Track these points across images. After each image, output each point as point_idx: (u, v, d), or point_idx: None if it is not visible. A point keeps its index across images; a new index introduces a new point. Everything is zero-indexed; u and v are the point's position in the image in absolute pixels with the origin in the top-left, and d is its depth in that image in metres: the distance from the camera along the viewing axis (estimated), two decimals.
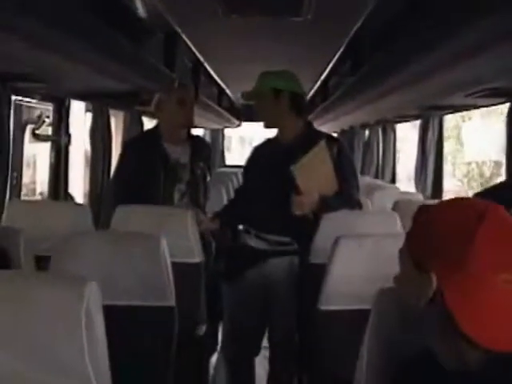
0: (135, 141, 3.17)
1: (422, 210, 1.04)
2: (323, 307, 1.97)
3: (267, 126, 2.64)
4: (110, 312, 2.01)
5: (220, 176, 6.19)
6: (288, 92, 2.54)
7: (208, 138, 8.34)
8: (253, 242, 2.60)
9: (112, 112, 4.17)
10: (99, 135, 3.85)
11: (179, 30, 2.73)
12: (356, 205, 2.54)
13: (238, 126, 8.97)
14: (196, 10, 2.53)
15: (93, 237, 2.10)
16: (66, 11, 2.00)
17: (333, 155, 2.44)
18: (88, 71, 2.53)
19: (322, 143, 2.42)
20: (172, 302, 1.98)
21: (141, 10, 2.69)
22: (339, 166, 2.45)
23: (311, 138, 2.52)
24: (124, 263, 1.98)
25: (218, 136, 8.85)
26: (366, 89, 3.03)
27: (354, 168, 2.65)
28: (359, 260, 1.95)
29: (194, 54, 3.27)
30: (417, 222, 1.03)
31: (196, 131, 8.37)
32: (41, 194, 5.02)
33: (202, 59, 3.47)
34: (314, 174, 2.40)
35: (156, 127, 2.99)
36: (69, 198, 3.56)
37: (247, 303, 2.60)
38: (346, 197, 2.47)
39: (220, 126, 8.36)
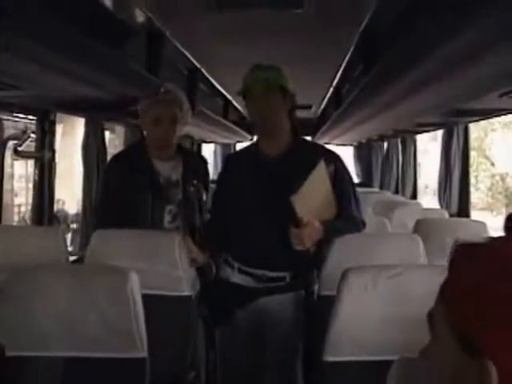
0: (120, 155, 2.81)
1: (471, 252, 0.64)
2: (329, 358, 1.57)
3: (267, 130, 2.16)
4: (67, 364, 1.67)
5: None
6: (291, 94, 2.17)
7: (219, 153, 8.01)
8: (236, 278, 2.21)
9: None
10: (93, 150, 3.55)
11: (164, 29, 2.39)
12: (360, 224, 2.23)
13: (252, 140, 8.63)
14: (183, 5, 2.19)
15: (47, 270, 1.75)
16: (35, 13, 1.69)
17: (330, 174, 2.12)
18: (62, 77, 2.21)
19: (322, 164, 2.06)
20: (143, 353, 1.61)
21: (118, 7, 2.36)
22: (337, 186, 2.13)
23: (302, 151, 2.18)
24: (85, 304, 1.63)
25: (229, 151, 8.50)
26: (381, 91, 2.65)
27: (354, 184, 2.29)
28: (373, 298, 1.57)
29: (187, 58, 2.92)
30: (467, 275, 0.63)
31: (207, 146, 8.07)
32: None
33: (197, 64, 3.12)
34: (314, 201, 2.06)
35: (142, 140, 2.65)
36: (55, 221, 3.24)
37: (240, 346, 2.21)
38: (347, 218, 2.17)
39: (230, 141, 8.00)
